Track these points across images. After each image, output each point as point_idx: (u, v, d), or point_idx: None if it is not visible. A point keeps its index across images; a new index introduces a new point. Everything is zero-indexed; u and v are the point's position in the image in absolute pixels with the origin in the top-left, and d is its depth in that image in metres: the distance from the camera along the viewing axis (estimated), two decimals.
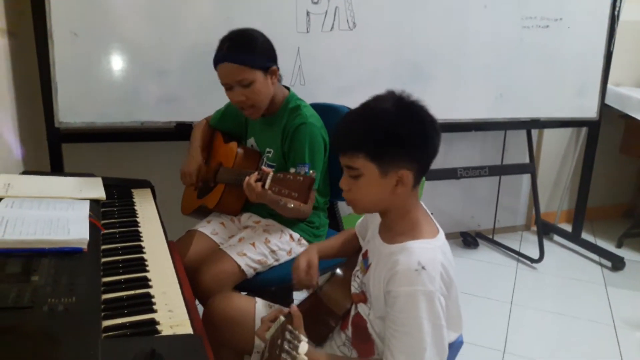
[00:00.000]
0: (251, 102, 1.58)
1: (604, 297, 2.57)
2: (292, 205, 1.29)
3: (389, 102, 1.04)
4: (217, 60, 1.56)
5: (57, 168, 1.96)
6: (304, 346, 0.97)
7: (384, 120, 1.02)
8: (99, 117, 1.97)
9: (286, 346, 0.94)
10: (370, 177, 1.04)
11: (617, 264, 2.87)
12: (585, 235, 3.24)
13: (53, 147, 1.95)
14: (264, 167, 1.36)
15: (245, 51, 1.54)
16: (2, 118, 1.75)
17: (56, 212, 1.24)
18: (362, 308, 1.16)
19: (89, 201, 1.35)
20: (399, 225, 1.10)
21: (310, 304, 1.23)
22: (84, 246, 1.10)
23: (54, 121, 1.91)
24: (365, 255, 1.19)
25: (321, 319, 1.21)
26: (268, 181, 1.30)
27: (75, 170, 1.75)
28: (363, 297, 1.16)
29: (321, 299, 1.23)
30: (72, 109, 1.93)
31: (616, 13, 2.83)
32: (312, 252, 1.35)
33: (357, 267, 1.23)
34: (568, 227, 3.31)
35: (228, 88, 1.59)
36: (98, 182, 1.56)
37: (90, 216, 1.26)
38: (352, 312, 1.20)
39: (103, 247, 1.21)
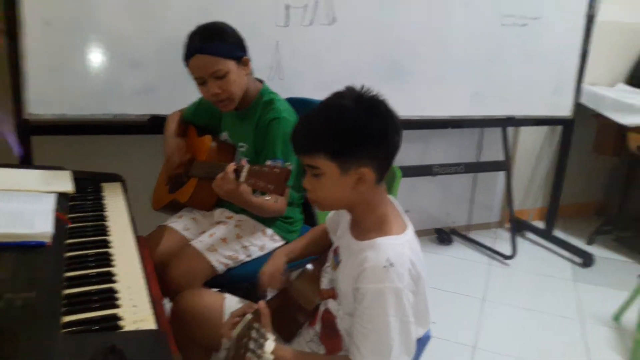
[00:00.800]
0: (226, 94, 1.56)
1: (573, 293, 2.62)
2: (269, 198, 1.28)
3: (347, 99, 1.04)
4: (189, 54, 1.54)
5: (25, 161, 1.92)
6: (269, 345, 0.97)
7: (342, 118, 1.02)
8: (70, 109, 1.93)
9: (251, 345, 0.94)
10: (331, 176, 1.03)
11: (587, 260, 2.93)
12: (558, 233, 3.29)
13: (22, 139, 1.90)
14: (243, 160, 1.35)
15: (216, 42, 1.52)
16: None
17: (21, 205, 1.22)
18: (331, 304, 1.17)
19: (55, 194, 1.33)
20: (367, 222, 1.10)
21: (280, 301, 1.23)
22: (48, 240, 1.09)
23: (22, 112, 1.87)
24: (336, 252, 1.19)
25: (291, 315, 1.21)
26: (244, 174, 1.29)
27: (44, 163, 1.72)
28: (333, 293, 1.16)
29: (291, 295, 1.23)
30: (42, 100, 1.88)
31: (592, 13, 2.87)
32: (280, 258, 1.35)
33: (328, 263, 1.23)
34: (542, 225, 3.36)
35: (201, 82, 1.57)
36: (67, 175, 1.54)
37: (56, 210, 1.24)
38: (322, 308, 1.20)
39: (69, 241, 1.19)
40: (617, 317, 2.37)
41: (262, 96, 1.68)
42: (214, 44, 1.52)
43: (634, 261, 3.01)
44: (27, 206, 1.21)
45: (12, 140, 1.78)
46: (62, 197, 1.36)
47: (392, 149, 1.06)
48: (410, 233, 1.10)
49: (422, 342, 1.19)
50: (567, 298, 2.58)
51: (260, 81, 1.73)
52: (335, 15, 2.29)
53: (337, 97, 1.06)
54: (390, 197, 1.16)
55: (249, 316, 1.04)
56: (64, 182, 1.47)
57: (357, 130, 1.01)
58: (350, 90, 1.06)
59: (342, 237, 1.19)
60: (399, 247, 1.04)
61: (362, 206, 1.10)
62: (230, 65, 1.54)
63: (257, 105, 1.67)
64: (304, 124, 1.07)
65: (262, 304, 1.09)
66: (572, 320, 2.38)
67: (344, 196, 1.07)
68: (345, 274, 1.10)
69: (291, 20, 2.20)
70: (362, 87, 1.06)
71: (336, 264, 1.17)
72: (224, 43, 1.53)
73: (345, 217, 1.21)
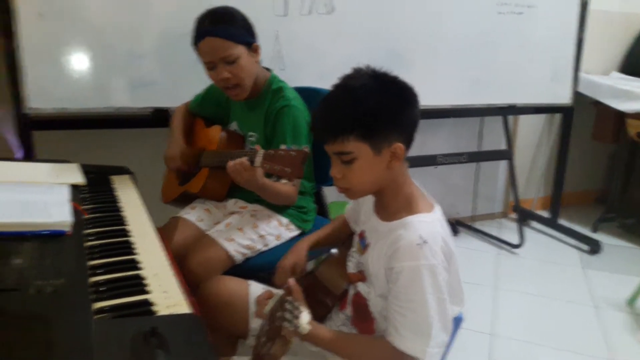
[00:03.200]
0: (236, 80, 1.52)
1: (583, 279, 2.61)
2: (285, 182, 1.24)
3: (364, 78, 1.02)
4: (199, 37, 1.50)
5: (27, 156, 1.85)
6: (305, 316, 0.93)
7: (367, 97, 0.99)
8: (71, 103, 1.88)
9: (287, 315, 0.90)
10: (364, 158, 1.01)
11: (594, 247, 2.92)
12: (562, 221, 3.28)
13: (22, 134, 1.84)
14: (257, 146, 1.31)
15: (228, 25, 1.48)
16: None
17: (34, 195, 1.17)
18: (362, 287, 1.13)
19: (68, 185, 1.28)
20: (394, 202, 1.08)
21: (306, 284, 1.19)
22: (68, 229, 1.04)
23: (22, 107, 1.80)
24: (361, 236, 1.16)
25: (318, 299, 1.18)
26: (259, 158, 1.25)
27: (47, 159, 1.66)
28: (361, 277, 1.13)
29: (318, 279, 1.19)
30: (42, 93, 1.82)
31: (586, 1, 2.87)
32: (302, 250, 1.31)
33: (354, 248, 1.20)
34: (544, 214, 3.36)
35: (211, 67, 1.53)
36: (75, 167, 1.48)
37: (71, 200, 1.18)
38: (352, 292, 1.17)
39: (85, 231, 1.14)
40: (631, 302, 2.35)
41: (271, 84, 1.65)
42: (225, 27, 1.48)
43: None
44: (41, 197, 1.16)
45: (12, 139, 1.71)
46: (72, 189, 1.31)
47: (415, 121, 1.05)
48: (438, 212, 1.08)
49: (456, 323, 1.15)
50: (578, 284, 2.56)
51: (268, 70, 1.69)
52: (334, 4, 2.26)
53: (351, 78, 1.04)
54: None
55: (280, 292, 1.00)
56: (74, 174, 1.41)
57: (384, 107, 0.99)
58: (361, 70, 1.04)
59: (367, 222, 1.17)
60: (430, 224, 1.02)
61: (390, 187, 1.08)
62: (241, 50, 1.50)
63: (266, 93, 1.63)
64: (325, 110, 1.04)
65: (292, 281, 1.06)
66: (586, 306, 2.36)
67: (378, 177, 1.04)
68: (375, 255, 1.07)
69: (290, 9, 2.17)
70: (367, 66, 1.04)
71: (363, 247, 1.14)
72: (234, 27, 1.49)
73: (366, 202, 1.19)
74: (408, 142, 1.04)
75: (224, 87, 1.56)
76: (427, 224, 1.02)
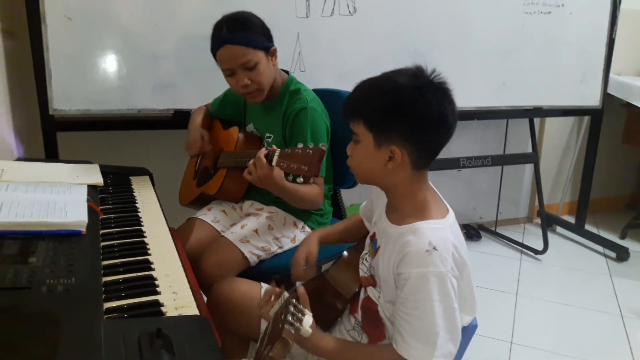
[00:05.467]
0: (256, 85, 1.53)
1: (610, 288, 2.54)
2: (301, 180, 1.23)
3: (405, 77, 1.00)
4: (217, 45, 1.50)
5: (52, 157, 1.90)
6: (308, 319, 0.93)
7: (390, 92, 0.99)
8: (94, 105, 1.92)
9: (290, 318, 0.90)
10: (366, 146, 1.02)
11: (622, 254, 2.84)
12: (588, 227, 3.20)
13: (47, 135, 1.89)
14: (273, 145, 1.31)
15: (245, 32, 1.49)
16: None
17: (53, 195, 1.19)
18: (371, 292, 1.12)
19: (86, 185, 1.31)
20: (405, 206, 1.06)
21: (316, 286, 1.18)
22: (83, 229, 1.06)
23: (48, 109, 1.85)
24: (373, 238, 1.15)
25: (328, 302, 1.17)
26: (275, 157, 1.25)
27: (70, 159, 1.70)
28: (372, 281, 1.12)
29: (328, 281, 1.19)
30: (66, 95, 1.87)
31: (618, 0, 2.79)
32: (312, 242, 1.31)
33: (366, 251, 1.19)
34: (570, 219, 3.28)
35: (230, 74, 1.53)
36: (95, 168, 1.51)
37: (88, 200, 1.21)
38: (362, 296, 1.15)
39: (102, 231, 1.16)
40: None
41: (289, 86, 1.65)
42: (243, 34, 1.48)
43: None
44: (60, 196, 1.18)
45: (7, 135, 1.74)
46: (91, 189, 1.34)
47: (436, 139, 1.02)
48: (451, 218, 1.06)
49: (469, 331, 1.13)
50: (604, 293, 2.49)
51: (286, 72, 1.70)
52: (356, 5, 2.25)
53: (397, 72, 1.02)
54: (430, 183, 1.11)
55: (286, 294, 1.00)
56: (93, 175, 1.44)
57: (399, 108, 0.98)
58: (414, 70, 1.01)
59: (378, 223, 1.15)
60: (441, 231, 1.00)
61: (399, 190, 1.06)
62: (260, 56, 1.51)
63: (283, 95, 1.64)
64: (356, 89, 1.05)
65: (298, 284, 1.05)
66: (612, 315, 2.29)
67: (375, 171, 1.04)
68: (385, 259, 1.05)
69: (311, 10, 2.17)
70: (433, 70, 1.01)
71: (374, 250, 1.12)
72: (252, 33, 1.50)
73: (380, 202, 1.17)
74: (417, 155, 1.01)
75: (243, 93, 1.57)
76: (438, 230, 1.00)
